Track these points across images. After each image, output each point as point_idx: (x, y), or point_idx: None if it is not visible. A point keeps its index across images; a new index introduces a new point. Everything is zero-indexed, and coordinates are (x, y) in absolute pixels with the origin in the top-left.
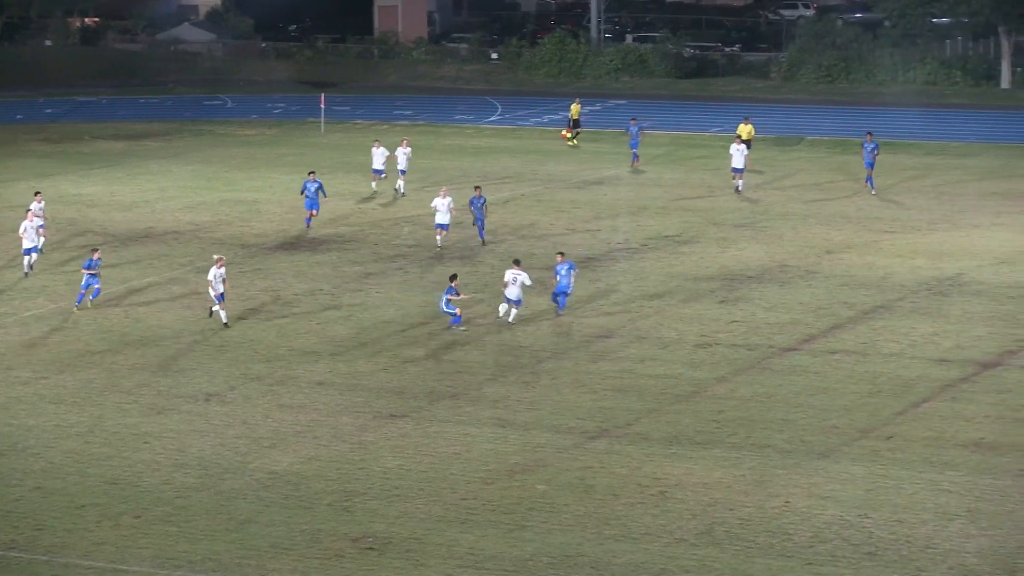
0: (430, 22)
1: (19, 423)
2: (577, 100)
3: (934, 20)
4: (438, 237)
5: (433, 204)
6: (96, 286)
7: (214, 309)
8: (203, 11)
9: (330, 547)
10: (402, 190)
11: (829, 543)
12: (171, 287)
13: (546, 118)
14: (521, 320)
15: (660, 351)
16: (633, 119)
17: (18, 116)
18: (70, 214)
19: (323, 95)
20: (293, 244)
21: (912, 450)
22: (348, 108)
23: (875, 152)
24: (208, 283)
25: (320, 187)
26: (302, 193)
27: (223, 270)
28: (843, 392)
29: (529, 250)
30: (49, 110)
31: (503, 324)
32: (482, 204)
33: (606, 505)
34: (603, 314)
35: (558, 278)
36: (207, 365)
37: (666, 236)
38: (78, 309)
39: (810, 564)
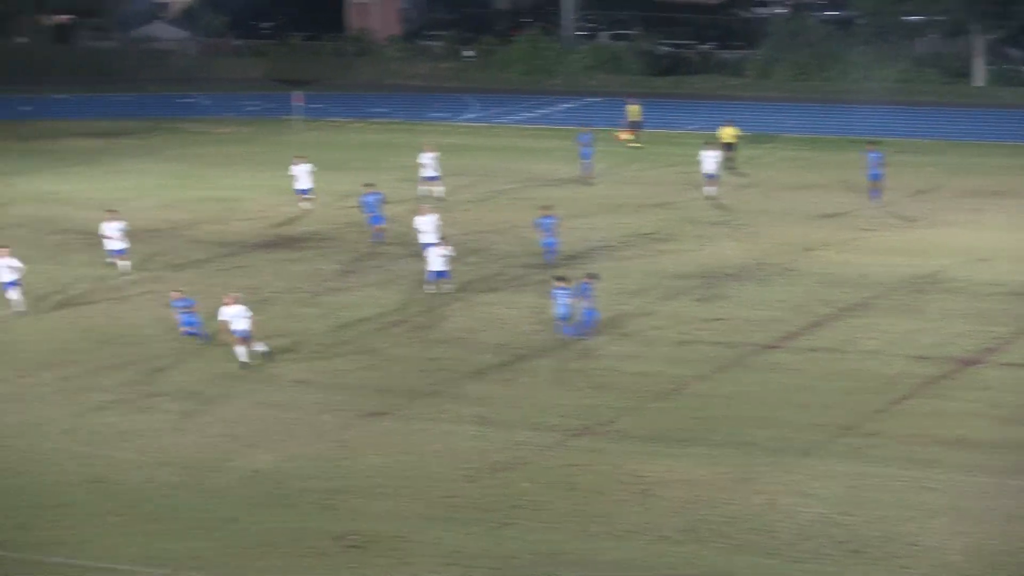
0: (403, 19)
1: (0, 421)
2: (635, 101)
3: (906, 18)
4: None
5: (416, 223)
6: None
7: (258, 349)
8: (176, 9)
9: (314, 545)
10: (439, 194)
11: (813, 540)
12: (150, 285)
13: (522, 115)
14: (501, 318)
15: (641, 349)
16: (583, 127)
17: None
18: (46, 212)
19: (298, 93)
20: (271, 242)
21: (894, 447)
22: (323, 106)
23: (880, 162)
24: (224, 325)
25: (381, 199)
26: (360, 208)
27: (242, 307)
28: (824, 389)
29: (509, 249)
30: (23, 108)
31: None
32: (552, 225)
33: (589, 503)
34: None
35: (584, 299)
36: (187, 363)
37: (644, 234)
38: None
39: (795, 562)
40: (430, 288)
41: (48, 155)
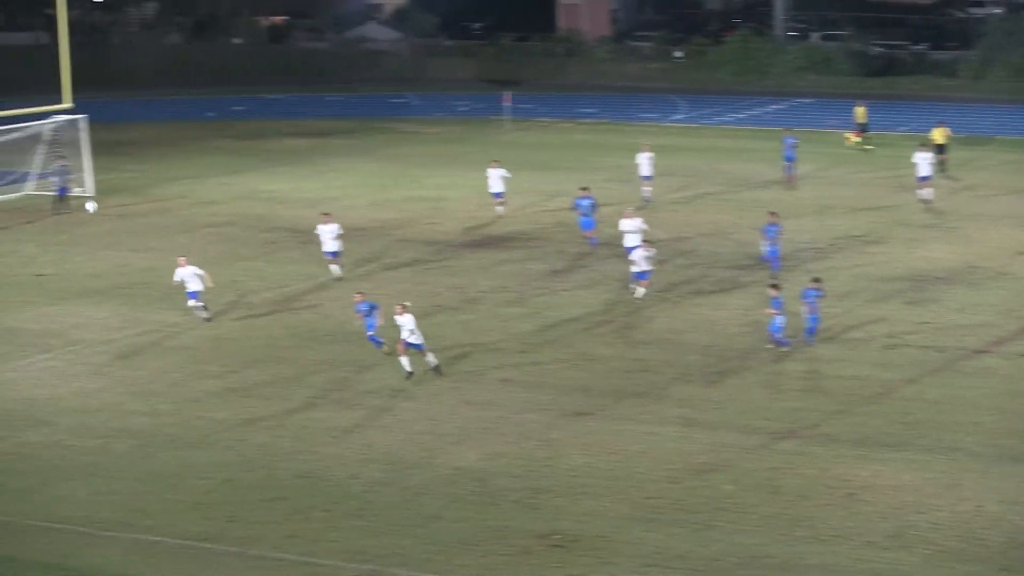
0: (613, 20)
1: (210, 416)
2: (862, 102)
3: None
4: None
5: (621, 226)
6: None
7: (428, 360)
8: (388, 10)
9: (516, 544)
10: (648, 195)
11: (1022, 549)
12: (359, 283)
13: (731, 117)
14: (708, 320)
15: (848, 352)
16: (789, 130)
17: (208, 113)
18: (258, 210)
19: (507, 93)
20: (478, 242)
21: None
22: (531, 106)
23: None
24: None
25: (594, 203)
26: (573, 209)
27: (410, 317)
28: None
29: (716, 251)
30: (238, 107)
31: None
32: (777, 233)
33: (794, 506)
34: (790, 314)
35: (807, 305)
36: (393, 361)
37: (852, 236)
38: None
39: (1004, 570)
40: (634, 288)
41: (260, 154)
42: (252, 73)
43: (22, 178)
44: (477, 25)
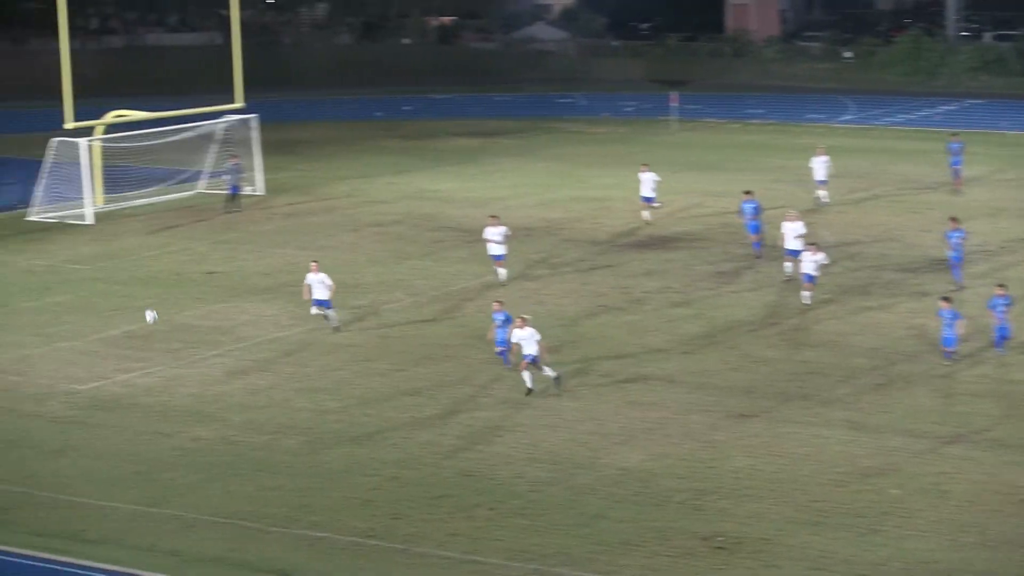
0: (782, 20)
1: (377, 414)
2: None
3: None
4: (790, 267)
5: (783, 229)
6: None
7: (547, 374)
8: (556, 10)
9: (680, 545)
10: (825, 199)
11: None
12: (524, 284)
13: (900, 117)
14: (875, 323)
15: (1020, 356)
16: (954, 134)
17: (377, 113)
18: (426, 209)
19: (674, 93)
20: (644, 242)
21: None
22: (699, 106)
23: None
24: (516, 348)
25: (758, 207)
26: (740, 215)
27: (531, 330)
28: None
29: (884, 253)
30: (406, 107)
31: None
32: (961, 239)
33: (962, 512)
34: (971, 317)
35: (996, 315)
36: (558, 360)
37: None
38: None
39: None
40: (803, 294)
41: (428, 154)
42: (420, 73)
43: (195, 176)
44: (645, 25)
